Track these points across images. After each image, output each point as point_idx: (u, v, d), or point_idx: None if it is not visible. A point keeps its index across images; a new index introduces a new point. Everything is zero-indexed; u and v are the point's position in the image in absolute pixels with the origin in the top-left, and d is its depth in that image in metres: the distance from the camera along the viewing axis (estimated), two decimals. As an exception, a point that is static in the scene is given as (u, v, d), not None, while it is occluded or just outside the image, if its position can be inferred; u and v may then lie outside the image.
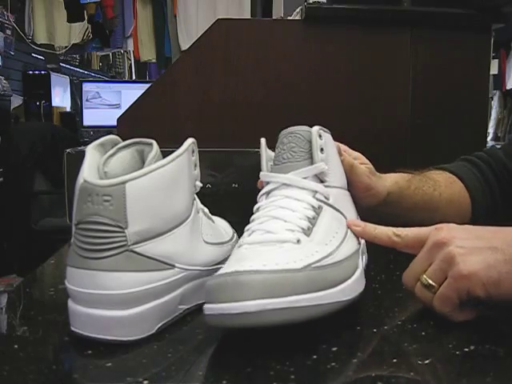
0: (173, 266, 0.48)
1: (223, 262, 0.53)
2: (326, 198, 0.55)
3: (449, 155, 0.93)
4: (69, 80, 4.39)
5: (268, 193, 0.56)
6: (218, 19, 1.24)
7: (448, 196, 0.80)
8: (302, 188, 0.55)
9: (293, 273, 0.44)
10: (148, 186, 0.45)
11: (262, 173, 0.59)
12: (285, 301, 0.42)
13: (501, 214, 0.83)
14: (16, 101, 3.74)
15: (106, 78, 5.24)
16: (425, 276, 0.51)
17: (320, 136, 0.57)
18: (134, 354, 0.45)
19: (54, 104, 3.90)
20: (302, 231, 0.50)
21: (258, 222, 0.52)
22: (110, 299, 0.44)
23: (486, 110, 1.33)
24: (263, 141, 0.61)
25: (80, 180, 0.45)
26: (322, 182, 0.56)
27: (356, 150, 0.98)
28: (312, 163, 0.56)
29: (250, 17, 3.61)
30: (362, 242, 0.60)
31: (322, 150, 0.56)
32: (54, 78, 3.99)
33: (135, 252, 0.45)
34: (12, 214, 3.02)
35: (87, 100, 4.04)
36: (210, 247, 0.54)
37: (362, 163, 0.71)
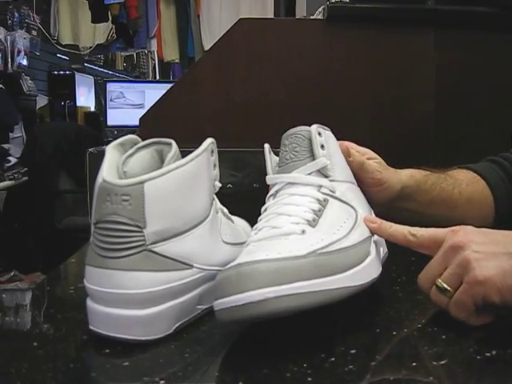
0: (191, 266, 0.48)
1: None
2: (331, 191, 0.55)
3: (474, 156, 0.92)
4: (93, 80, 4.44)
5: (274, 194, 0.57)
6: (240, 19, 1.24)
7: (468, 195, 0.78)
8: (307, 184, 0.55)
9: (296, 259, 0.43)
10: (166, 186, 0.45)
11: (267, 176, 0.59)
12: (289, 287, 0.42)
13: None
14: (41, 101, 3.80)
15: (130, 78, 5.28)
16: (440, 280, 0.50)
17: (319, 133, 0.58)
18: (151, 353, 0.45)
19: (78, 104, 3.96)
20: (307, 223, 0.50)
21: (264, 220, 0.53)
22: (127, 299, 0.44)
23: (512, 110, 1.30)
24: (267, 146, 0.61)
25: (99, 179, 0.45)
26: (326, 177, 0.56)
27: (379, 150, 0.96)
28: (314, 160, 0.56)
29: (273, 16, 3.61)
30: None
31: (322, 146, 0.57)
32: (79, 78, 4.05)
33: (153, 252, 0.45)
34: (37, 212, 3.06)
35: (111, 100, 4.08)
36: (229, 247, 0.54)
37: (370, 158, 0.70)
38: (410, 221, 0.77)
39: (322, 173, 0.56)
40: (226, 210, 0.58)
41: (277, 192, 0.56)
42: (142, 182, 0.43)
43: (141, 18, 3.80)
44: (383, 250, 0.60)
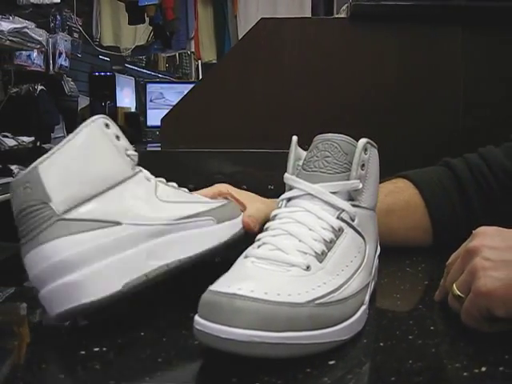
0: (118, 223, 0.48)
1: (200, 215, 0.55)
2: (351, 218, 0.51)
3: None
4: (134, 81, 4.50)
5: (289, 199, 0.53)
6: (262, 18, 1.22)
7: (387, 206, 0.72)
8: (328, 203, 0.51)
9: (293, 307, 0.41)
10: (59, 160, 0.48)
11: (286, 175, 0.54)
12: (278, 336, 0.40)
13: (485, 217, 0.73)
14: (83, 101, 3.88)
15: (172, 79, 5.33)
16: (454, 286, 0.49)
17: (365, 150, 0.53)
18: (124, 358, 0.44)
19: (118, 104, 4.00)
20: (315, 255, 0.47)
21: (270, 233, 0.49)
22: (55, 267, 0.45)
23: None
24: (295, 139, 0.56)
25: None
26: (352, 199, 0.52)
27: (405, 151, 0.90)
28: (346, 178, 0.52)
29: (310, 16, 3.58)
30: (375, 264, 0.57)
31: (363, 165, 0.52)
32: (119, 79, 4.10)
33: (67, 219, 0.46)
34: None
35: (151, 100, 4.14)
36: (172, 204, 0.54)
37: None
38: None
39: (350, 194, 0.52)
40: (173, 183, 0.58)
41: (292, 198, 0.53)
42: (36, 167, 0.47)
43: (177, 19, 3.83)
44: (374, 282, 0.57)
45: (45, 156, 0.48)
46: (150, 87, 4.14)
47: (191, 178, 1.00)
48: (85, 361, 0.43)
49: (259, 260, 0.46)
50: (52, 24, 3.33)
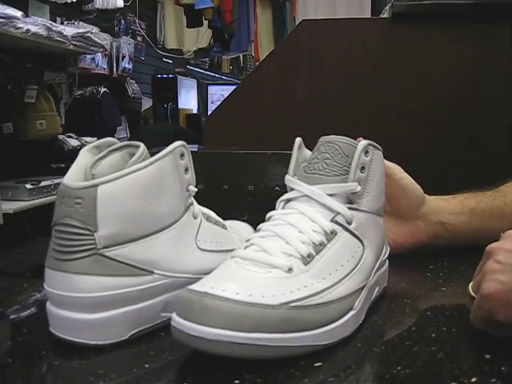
0: (151, 273, 0.46)
1: None
2: (347, 222, 0.50)
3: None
4: (196, 83, 4.59)
5: (287, 201, 0.52)
6: (303, 20, 1.22)
7: None
8: (324, 205, 0.50)
9: (265, 309, 0.41)
10: (121, 190, 0.44)
11: (287, 176, 0.53)
12: (246, 336, 0.40)
13: None
14: (146, 103, 3.99)
15: (236, 81, 5.38)
16: (470, 286, 0.49)
17: (366, 152, 0.52)
18: (106, 356, 0.44)
19: (180, 106, 4.09)
20: (301, 258, 0.46)
21: (259, 235, 0.49)
22: (75, 302, 0.43)
23: None
24: (298, 140, 0.56)
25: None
26: (350, 202, 0.51)
27: (448, 155, 0.87)
28: (345, 181, 0.51)
29: (370, 17, 3.53)
30: (380, 268, 0.56)
31: (362, 168, 0.51)
32: (181, 81, 4.19)
33: (105, 256, 0.44)
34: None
35: (212, 102, 4.20)
36: (206, 254, 0.52)
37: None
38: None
39: (350, 197, 0.51)
40: (213, 215, 0.55)
41: (289, 200, 0.52)
42: (96, 186, 0.43)
43: (235, 22, 3.87)
44: (379, 288, 0.56)
45: (107, 177, 0.44)
46: (212, 89, 4.21)
47: (230, 180, 1.01)
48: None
49: (243, 260, 0.46)
50: (116, 28, 3.45)
